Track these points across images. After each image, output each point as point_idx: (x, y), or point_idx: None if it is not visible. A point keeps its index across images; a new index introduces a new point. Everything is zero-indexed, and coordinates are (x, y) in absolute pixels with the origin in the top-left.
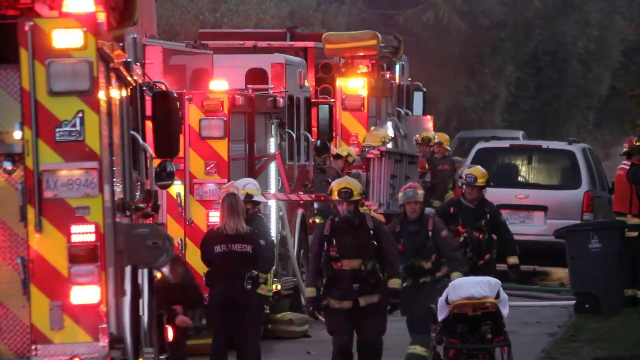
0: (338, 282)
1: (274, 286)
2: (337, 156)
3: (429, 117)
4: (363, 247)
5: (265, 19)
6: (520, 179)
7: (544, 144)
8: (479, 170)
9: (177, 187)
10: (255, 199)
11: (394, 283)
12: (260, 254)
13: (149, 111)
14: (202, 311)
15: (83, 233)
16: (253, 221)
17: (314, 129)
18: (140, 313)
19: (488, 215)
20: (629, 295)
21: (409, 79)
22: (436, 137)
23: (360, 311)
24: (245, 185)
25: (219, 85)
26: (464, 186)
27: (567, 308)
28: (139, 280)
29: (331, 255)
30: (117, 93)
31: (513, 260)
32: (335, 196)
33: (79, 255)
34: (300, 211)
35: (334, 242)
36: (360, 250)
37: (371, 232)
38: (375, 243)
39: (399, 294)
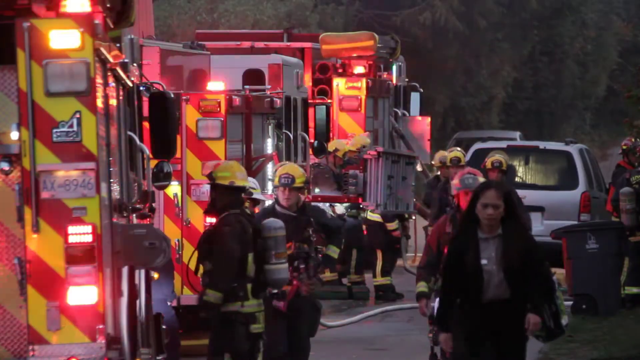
0: None
1: None
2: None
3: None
4: None
5: (262, 19)
6: (517, 179)
7: (541, 144)
8: (296, 168)
9: (174, 188)
10: (254, 196)
11: None
12: None
13: (146, 112)
14: None
15: (80, 234)
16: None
17: (311, 130)
18: (137, 314)
19: (313, 221)
20: (633, 292)
21: (406, 79)
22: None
23: None
24: None
25: (216, 86)
26: (278, 190)
27: None
28: (136, 281)
29: None
30: (114, 94)
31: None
32: None
33: (76, 255)
34: None
35: None
36: None
37: None
38: None
39: None
